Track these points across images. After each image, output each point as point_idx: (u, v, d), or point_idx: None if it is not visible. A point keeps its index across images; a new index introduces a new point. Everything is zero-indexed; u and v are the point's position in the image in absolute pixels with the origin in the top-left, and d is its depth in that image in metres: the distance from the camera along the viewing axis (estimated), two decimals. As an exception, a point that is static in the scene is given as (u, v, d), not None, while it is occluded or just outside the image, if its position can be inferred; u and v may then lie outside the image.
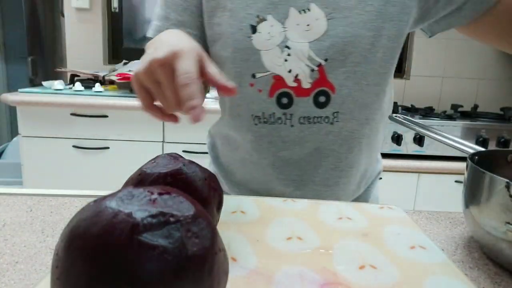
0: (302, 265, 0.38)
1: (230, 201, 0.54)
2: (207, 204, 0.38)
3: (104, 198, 0.26)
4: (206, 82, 0.49)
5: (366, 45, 0.61)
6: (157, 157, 0.41)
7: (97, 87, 1.90)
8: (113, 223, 0.24)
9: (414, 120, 0.63)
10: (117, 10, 2.32)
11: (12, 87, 3.14)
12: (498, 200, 0.40)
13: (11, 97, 1.72)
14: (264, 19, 0.61)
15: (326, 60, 0.61)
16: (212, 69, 0.47)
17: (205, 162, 2.02)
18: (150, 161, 0.40)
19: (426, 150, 1.72)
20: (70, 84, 2.05)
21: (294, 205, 0.54)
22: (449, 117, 1.83)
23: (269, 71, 0.62)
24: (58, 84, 1.88)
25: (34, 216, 0.50)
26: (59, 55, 2.41)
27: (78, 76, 2.06)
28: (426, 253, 0.42)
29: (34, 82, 2.28)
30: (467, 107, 2.04)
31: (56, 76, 2.23)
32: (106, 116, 1.77)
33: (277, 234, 0.44)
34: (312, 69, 0.61)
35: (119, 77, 1.92)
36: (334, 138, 0.65)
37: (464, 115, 1.93)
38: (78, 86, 1.89)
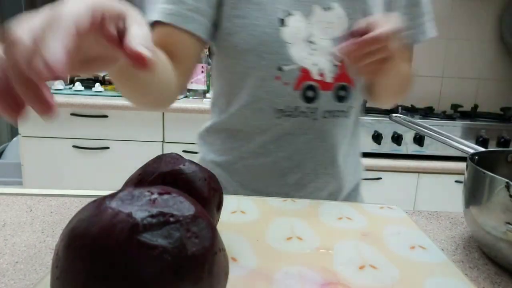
0: (302, 265, 0.38)
1: (230, 201, 0.54)
2: (207, 204, 0.38)
3: (104, 198, 0.26)
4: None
5: None
6: (157, 157, 0.41)
7: (97, 87, 1.90)
8: (113, 223, 0.24)
9: (414, 120, 0.63)
10: (117, 10, 2.32)
11: (12, 87, 3.14)
12: (498, 200, 0.40)
13: (11, 97, 1.72)
14: (291, 13, 0.62)
15: None
16: (135, 31, 0.32)
17: (205, 162, 1.97)
18: (150, 161, 0.40)
19: (426, 150, 1.72)
20: (70, 84, 2.05)
21: (294, 205, 0.54)
22: (449, 117, 1.83)
23: (296, 64, 0.63)
24: (58, 84, 1.88)
25: (34, 216, 0.50)
26: (59, 55, 2.41)
27: (78, 76, 2.06)
28: (426, 253, 0.42)
29: (34, 82, 2.28)
30: (467, 107, 2.04)
31: (56, 76, 2.23)
32: (106, 116, 1.77)
33: (277, 234, 0.44)
34: (334, 64, 0.64)
35: (119, 77, 1.92)
36: (347, 131, 0.70)
37: (464, 115, 1.93)
38: (78, 86, 1.89)
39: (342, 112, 0.67)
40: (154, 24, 0.64)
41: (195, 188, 0.37)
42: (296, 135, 0.67)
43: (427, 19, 0.73)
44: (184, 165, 0.39)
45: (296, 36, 0.63)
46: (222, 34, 0.65)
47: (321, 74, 0.64)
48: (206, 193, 0.38)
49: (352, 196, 0.79)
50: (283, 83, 0.64)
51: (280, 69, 0.64)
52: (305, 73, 0.64)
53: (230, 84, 0.69)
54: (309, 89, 0.65)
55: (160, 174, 0.37)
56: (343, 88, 0.66)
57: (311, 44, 0.63)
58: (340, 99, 0.66)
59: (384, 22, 0.49)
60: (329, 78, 0.65)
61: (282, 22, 0.62)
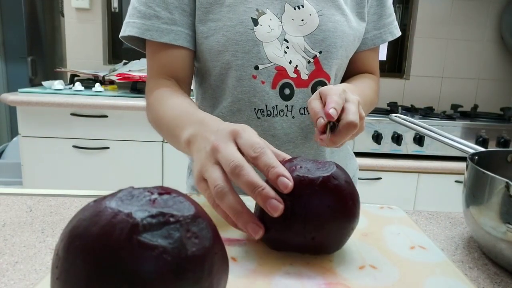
0: (302, 265, 0.38)
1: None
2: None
3: (104, 198, 0.26)
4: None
5: (350, 41, 0.68)
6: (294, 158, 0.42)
7: (97, 87, 1.89)
8: (112, 223, 0.24)
9: (414, 120, 0.63)
10: (117, 10, 2.32)
11: (12, 87, 3.14)
12: (498, 200, 0.40)
13: (11, 97, 1.72)
14: (263, 13, 0.63)
15: (320, 52, 0.66)
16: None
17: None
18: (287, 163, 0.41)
19: (426, 150, 1.72)
20: (70, 84, 2.05)
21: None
22: (449, 117, 1.83)
23: (271, 62, 0.64)
24: (58, 84, 1.88)
25: (34, 216, 0.50)
26: (59, 55, 2.41)
27: (78, 76, 2.06)
28: (426, 253, 0.42)
29: (34, 82, 2.28)
30: (467, 107, 2.04)
31: (56, 76, 2.23)
32: (106, 116, 1.77)
33: (277, 234, 0.44)
34: (308, 60, 0.66)
35: (119, 77, 1.92)
36: None
37: (464, 115, 1.93)
38: (78, 86, 1.89)
39: None
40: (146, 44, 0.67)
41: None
42: (278, 135, 0.67)
43: (392, 19, 0.76)
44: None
45: (269, 34, 0.64)
46: (198, 38, 0.66)
47: (296, 71, 0.66)
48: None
49: None
50: (260, 82, 0.65)
51: (256, 68, 0.64)
52: (280, 71, 0.65)
53: (211, 87, 0.70)
54: (285, 87, 0.66)
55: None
56: (319, 84, 0.67)
57: (285, 42, 0.65)
58: None
59: (338, 97, 0.50)
60: (304, 75, 0.66)
61: (255, 22, 0.63)
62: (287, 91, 0.66)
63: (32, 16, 2.34)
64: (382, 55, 2.30)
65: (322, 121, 0.49)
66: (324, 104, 0.52)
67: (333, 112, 0.47)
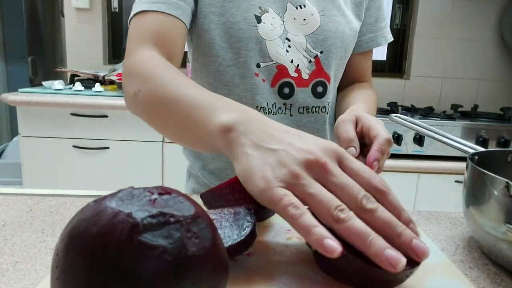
0: (302, 265, 0.38)
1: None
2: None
3: (104, 198, 0.26)
4: None
5: (350, 42, 0.69)
6: None
7: (97, 87, 1.90)
8: (113, 223, 0.24)
9: (414, 120, 0.63)
10: (117, 10, 2.32)
11: (12, 87, 3.14)
12: (498, 200, 0.40)
13: (11, 97, 1.72)
14: (266, 11, 0.63)
15: (321, 52, 0.66)
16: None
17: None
18: None
19: (426, 150, 1.72)
20: (70, 84, 2.05)
21: (294, 205, 0.54)
22: (449, 117, 1.83)
23: (273, 61, 0.64)
24: (58, 84, 1.88)
25: (34, 216, 0.50)
26: (59, 55, 2.41)
27: (78, 76, 2.06)
28: (426, 253, 0.42)
29: (34, 82, 2.28)
30: (467, 107, 2.04)
31: (56, 76, 2.23)
32: (106, 116, 1.77)
33: (277, 234, 0.44)
34: (309, 60, 0.66)
35: (119, 77, 1.92)
36: (329, 127, 0.71)
37: (464, 115, 1.93)
38: (78, 86, 1.89)
39: (321, 108, 0.69)
40: (140, 15, 0.60)
41: None
42: None
43: (386, 24, 0.76)
44: None
45: (272, 33, 0.64)
46: (198, 30, 0.65)
47: (297, 71, 0.66)
48: None
49: None
50: (261, 80, 0.65)
51: (258, 66, 0.64)
52: (281, 70, 0.65)
53: (208, 84, 0.68)
54: (285, 86, 0.66)
55: None
56: (319, 84, 0.67)
57: (287, 41, 0.65)
58: (318, 95, 0.68)
59: (373, 124, 0.49)
60: (305, 74, 0.66)
61: (258, 19, 0.63)
62: (286, 90, 0.66)
63: (32, 16, 2.34)
64: (382, 55, 2.30)
65: (354, 152, 0.48)
66: (359, 131, 0.50)
67: (375, 166, 0.45)
